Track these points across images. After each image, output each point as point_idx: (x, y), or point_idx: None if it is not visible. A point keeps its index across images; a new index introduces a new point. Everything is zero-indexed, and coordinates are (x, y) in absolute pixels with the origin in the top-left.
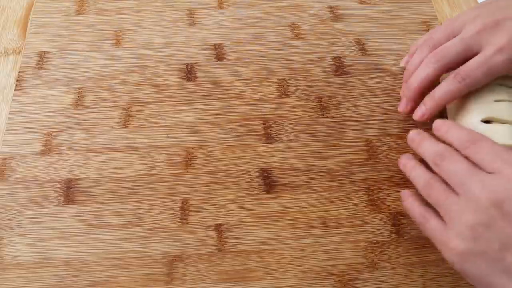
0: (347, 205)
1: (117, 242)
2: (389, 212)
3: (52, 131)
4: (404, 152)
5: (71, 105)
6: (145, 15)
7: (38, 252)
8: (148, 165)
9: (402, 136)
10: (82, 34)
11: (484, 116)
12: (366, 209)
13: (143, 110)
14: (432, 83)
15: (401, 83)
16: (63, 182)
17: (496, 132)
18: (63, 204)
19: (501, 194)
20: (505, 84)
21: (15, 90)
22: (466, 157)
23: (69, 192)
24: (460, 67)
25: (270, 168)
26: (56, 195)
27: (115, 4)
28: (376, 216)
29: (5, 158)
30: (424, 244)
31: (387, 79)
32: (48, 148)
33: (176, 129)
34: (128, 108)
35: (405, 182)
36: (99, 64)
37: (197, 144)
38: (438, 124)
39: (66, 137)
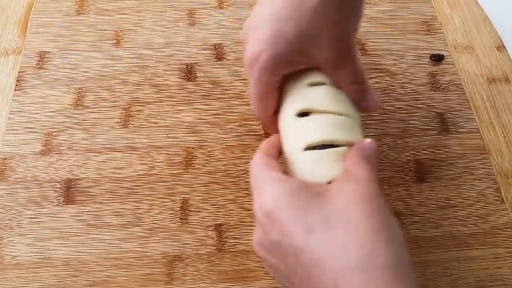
0: None
1: (117, 242)
2: None
3: (52, 131)
4: (404, 152)
5: (71, 105)
6: (145, 15)
7: (38, 252)
8: (148, 165)
9: (402, 136)
10: (82, 34)
11: (299, 107)
12: None
13: (143, 110)
14: None
15: (401, 83)
16: (63, 182)
17: (308, 130)
18: (63, 204)
19: None
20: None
21: (15, 90)
22: None
23: (69, 192)
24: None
25: None
26: (56, 195)
27: (115, 4)
28: None
29: (5, 158)
30: (423, 244)
31: (387, 79)
32: (48, 148)
33: (176, 129)
34: (128, 108)
35: (405, 182)
36: (99, 64)
37: (197, 144)
38: None
39: (66, 137)
